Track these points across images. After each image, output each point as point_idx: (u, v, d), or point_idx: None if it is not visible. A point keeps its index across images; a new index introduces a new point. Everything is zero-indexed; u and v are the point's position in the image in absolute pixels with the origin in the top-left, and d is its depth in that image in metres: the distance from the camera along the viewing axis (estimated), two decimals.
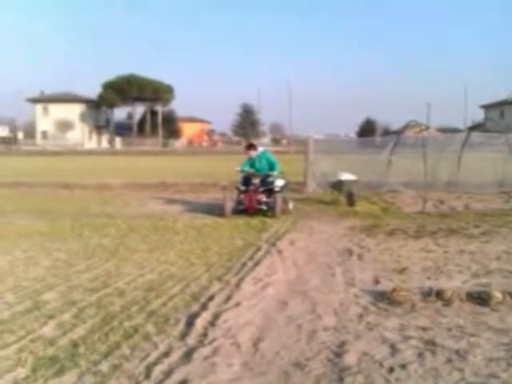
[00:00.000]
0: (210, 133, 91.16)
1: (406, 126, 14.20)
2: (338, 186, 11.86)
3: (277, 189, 10.26)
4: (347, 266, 5.91)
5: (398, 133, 15.45)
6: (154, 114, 74.81)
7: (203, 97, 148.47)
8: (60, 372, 3.24)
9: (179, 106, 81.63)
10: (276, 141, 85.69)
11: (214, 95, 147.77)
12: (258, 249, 6.90)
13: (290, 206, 10.72)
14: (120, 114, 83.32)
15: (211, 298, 4.75)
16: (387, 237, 7.70)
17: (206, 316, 4.24)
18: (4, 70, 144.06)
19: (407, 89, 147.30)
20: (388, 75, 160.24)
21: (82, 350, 3.59)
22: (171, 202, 12.54)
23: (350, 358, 3.38)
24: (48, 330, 3.97)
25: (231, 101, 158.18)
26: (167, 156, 45.28)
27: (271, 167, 10.63)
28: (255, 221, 9.25)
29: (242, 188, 10.30)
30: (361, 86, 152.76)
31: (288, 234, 8.05)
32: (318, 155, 14.77)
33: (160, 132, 72.11)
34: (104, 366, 3.32)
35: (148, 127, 73.95)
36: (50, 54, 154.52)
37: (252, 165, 10.76)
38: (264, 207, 10.05)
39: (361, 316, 4.22)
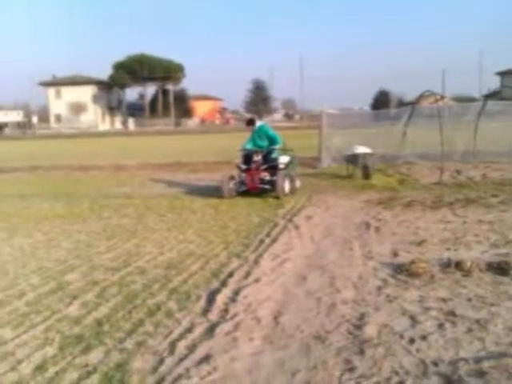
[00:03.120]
0: (222, 110, 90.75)
1: (421, 97, 13.94)
2: (352, 159, 11.78)
3: (281, 166, 9.76)
4: (365, 240, 5.92)
5: (413, 104, 15.20)
6: (165, 93, 74.58)
7: (214, 74, 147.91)
8: (86, 350, 3.34)
9: (190, 84, 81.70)
10: (289, 116, 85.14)
11: (225, 72, 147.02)
12: (275, 225, 6.93)
13: (297, 183, 10.09)
14: (132, 94, 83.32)
15: (231, 274, 4.82)
16: (404, 209, 7.67)
17: (226, 292, 4.30)
18: (15, 54, 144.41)
19: (421, 57, 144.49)
20: (402, 43, 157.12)
21: (106, 328, 3.69)
22: (186, 181, 12.60)
23: (370, 330, 3.42)
24: (73, 309, 4.08)
25: (243, 77, 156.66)
26: (180, 135, 45.27)
27: (272, 141, 9.97)
28: (270, 197, 9.25)
29: (243, 167, 9.74)
30: (374, 57, 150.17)
31: (304, 209, 8.06)
32: (331, 129, 14.64)
33: (172, 111, 71.97)
34: (129, 343, 3.42)
35: (160, 107, 73.83)
36: (61, 37, 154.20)
37: (253, 142, 10.17)
38: (268, 186, 9.42)
39: (380, 288, 4.25)
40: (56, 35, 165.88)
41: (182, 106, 75.65)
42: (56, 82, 72.54)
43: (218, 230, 6.73)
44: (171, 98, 72.95)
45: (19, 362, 3.19)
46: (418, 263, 4.58)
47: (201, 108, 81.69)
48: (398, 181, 10.96)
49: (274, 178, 9.38)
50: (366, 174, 11.38)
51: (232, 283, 4.54)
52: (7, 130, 71.10)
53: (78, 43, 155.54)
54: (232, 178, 9.60)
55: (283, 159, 10.01)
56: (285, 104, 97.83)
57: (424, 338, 3.28)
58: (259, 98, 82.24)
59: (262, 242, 6.06)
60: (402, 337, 3.31)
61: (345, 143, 13.61)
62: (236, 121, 78.96)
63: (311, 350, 3.22)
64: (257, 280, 4.59)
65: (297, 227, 6.71)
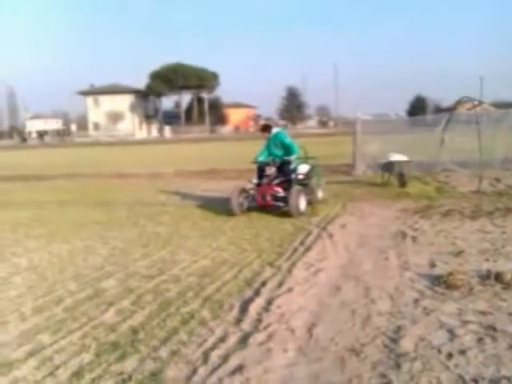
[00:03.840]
0: (256, 118, 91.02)
1: (459, 103, 13.63)
2: (388, 167, 11.61)
3: (300, 177, 8.90)
4: (401, 250, 5.80)
5: (450, 110, 14.87)
6: (200, 101, 75.51)
7: (249, 82, 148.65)
8: (122, 357, 3.38)
9: (225, 92, 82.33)
10: (323, 123, 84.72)
11: (259, 80, 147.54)
12: (309, 233, 6.88)
13: (319, 194, 9.34)
14: (168, 102, 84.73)
15: (264, 283, 4.80)
16: (442, 218, 7.49)
17: (259, 301, 4.29)
18: (54, 64, 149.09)
19: (457, 63, 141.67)
20: (437, 50, 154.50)
21: (141, 335, 3.73)
22: (220, 188, 12.66)
23: (407, 344, 3.34)
24: (109, 316, 4.14)
25: (277, 84, 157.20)
26: (215, 142, 45.69)
27: (287, 151, 8.89)
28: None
29: (254, 181, 8.74)
30: (410, 62, 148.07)
31: (338, 217, 7.97)
32: (366, 136, 14.47)
33: (207, 119, 72.75)
34: (163, 352, 3.44)
35: (195, 115, 74.79)
36: (98, 46, 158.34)
37: (268, 151, 9.17)
38: (281, 204, 8.28)
39: (416, 300, 4.14)
40: (94, 45, 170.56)
41: (217, 113, 76.42)
42: (94, 91, 74.47)
43: (251, 238, 6.73)
44: (206, 105, 73.77)
45: (57, 367, 3.25)
46: (456, 275, 4.46)
47: (235, 115, 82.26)
48: (435, 189, 10.73)
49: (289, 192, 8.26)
50: (402, 182, 11.19)
51: (265, 292, 4.52)
52: (47, 138, 73.34)
53: (115, 53, 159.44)
54: (243, 191, 8.64)
55: (302, 169, 9.19)
56: (319, 111, 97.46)
57: (463, 352, 3.17)
58: (293, 105, 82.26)
59: (295, 250, 6.03)
60: (439, 351, 3.21)
61: (380, 150, 13.44)
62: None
63: (346, 363, 3.16)
64: (290, 289, 4.55)
65: (331, 236, 6.64)
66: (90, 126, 73.61)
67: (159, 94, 74.46)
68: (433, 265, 5.12)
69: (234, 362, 3.25)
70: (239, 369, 3.15)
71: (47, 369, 3.24)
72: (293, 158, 8.84)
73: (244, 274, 5.14)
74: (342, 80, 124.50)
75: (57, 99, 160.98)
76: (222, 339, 3.61)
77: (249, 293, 4.57)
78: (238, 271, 5.26)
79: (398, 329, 3.59)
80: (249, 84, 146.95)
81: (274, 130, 9.20)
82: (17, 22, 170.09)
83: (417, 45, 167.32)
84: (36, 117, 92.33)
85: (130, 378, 3.10)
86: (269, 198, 8.39)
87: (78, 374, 3.17)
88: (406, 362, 3.10)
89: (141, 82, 73.59)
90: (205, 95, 74.94)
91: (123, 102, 71.85)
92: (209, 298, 4.49)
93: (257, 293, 4.54)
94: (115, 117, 71.16)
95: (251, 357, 3.31)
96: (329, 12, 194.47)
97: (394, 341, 3.40)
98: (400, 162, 11.39)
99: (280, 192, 8.43)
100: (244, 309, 4.16)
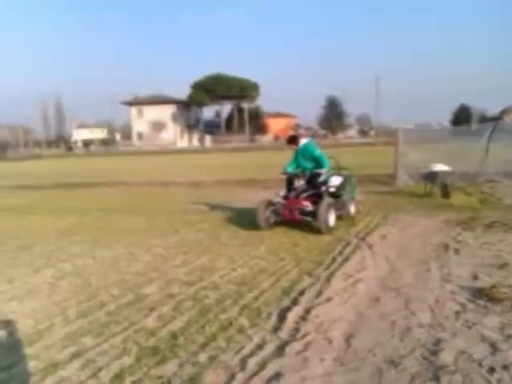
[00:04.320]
0: (296, 127, 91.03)
1: (505, 112, 13.27)
2: (430, 177, 11.39)
3: (331, 190, 8.39)
4: (443, 261, 5.68)
5: (496, 119, 14.48)
6: (240, 111, 76.20)
7: (289, 92, 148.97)
8: (162, 361, 3.47)
9: (265, 101, 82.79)
10: (364, 132, 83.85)
11: (299, 89, 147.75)
12: (347, 244, 6.84)
13: (352, 209, 8.75)
14: (209, 112, 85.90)
15: (302, 292, 4.81)
16: (486, 230, 7.28)
17: (297, 310, 4.30)
18: (98, 74, 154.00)
19: (501, 72, 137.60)
20: (479, 59, 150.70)
21: (181, 341, 3.81)
22: (260, 197, 12.71)
23: (447, 357, 3.28)
24: (149, 321, 4.24)
25: (317, 94, 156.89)
26: (254, 152, 45.92)
27: (317, 163, 8.44)
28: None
29: (281, 194, 8.33)
30: (453, 71, 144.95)
31: (379, 228, 7.88)
32: (408, 146, 14.24)
33: (247, 128, 73.30)
34: (202, 357, 3.51)
35: (235, 124, 75.51)
36: (142, 57, 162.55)
37: (296, 163, 8.73)
38: (310, 218, 7.74)
39: (458, 313, 4.06)
40: (139, 56, 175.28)
41: (257, 123, 76.90)
42: (138, 102, 76.33)
43: (290, 248, 6.74)
44: (246, 115, 74.37)
45: (99, 369, 3.37)
46: (499, 288, 4.34)
47: (275, 125, 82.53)
48: (478, 200, 10.43)
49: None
50: (445, 193, 10.95)
51: (303, 302, 4.53)
52: (92, 147, 75.62)
53: (158, 64, 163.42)
54: (270, 203, 8.16)
55: (334, 181, 8.65)
56: (359, 120, 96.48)
57: (506, 367, 3.09)
58: (333, 114, 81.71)
59: (333, 260, 6.00)
60: (480, 365, 3.14)
61: (422, 160, 13.19)
62: (310, 137, 78.91)
63: (383, 374, 3.13)
64: (328, 299, 4.54)
65: (370, 246, 6.57)
66: (134, 136, 75.39)
67: (201, 104, 75.59)
68: (475, 277, 4.99)
69: (271, 369, 3.28)
70: (276, 377, 3.17)
71: (90, 370, 3.36)
72: (323, 170, 8.36)
73: (282, 283, 5.16)
74: (383, 89, 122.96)
75: (102, 109, 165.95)
76: (260, 347, 3.64)
77: (286, 302, 4.58)
78: (276, 280, 5.28)
79: (438, 341, 3.53)
80: (289, 93, 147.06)
81: (302, 142, 8.72)
82: (64, 33, 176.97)
83: (461, 53, 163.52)
84: (82, 126, 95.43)
85: (169, 382, 3.18)
86: (296, 212, 7.88)
87: (119, 376, 3.27)
88: (445, 374, 3.05)
89: (183, 92, 75.05)
90: (245, 105, 75.57)
91: (166, 112, 73.31)
92: (247, 305, 4.53)
93: (295, 302, 4.55)
94: (158, 126, 72.68)
95: (288, 365, 3.33)
96: (369, 20, 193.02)
97: (434, 353, 3.35)
98: (443, 173, 11.15)
99: (308, 206, 7.90)
100: (282, 317, 4.18)
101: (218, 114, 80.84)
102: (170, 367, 3.38)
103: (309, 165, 8.50)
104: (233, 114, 77.40)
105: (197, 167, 25.90)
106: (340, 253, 6.35)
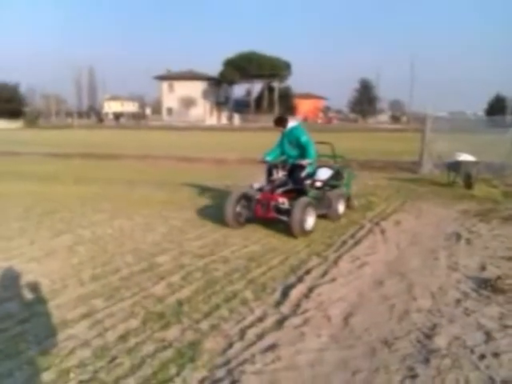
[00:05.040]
0: (325, 109, 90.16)
1: None
2: (455, 166, 11.24)
3: (318, 184, 7.32)
4: (453, 251, 5.70)
5: None
6: (271, 90, 75.73)
7: (321, 73, 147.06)
8: (166, 326, 3.65)
9: (296, 82, 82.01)
10: (395, 118, 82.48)
11: (332, 71, 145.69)
12: (361, 227, 6.89)
13: (340, 208, 7.44)
14: (239, 90, 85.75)
15: (308, 271, 4.92)
16: (503, 223, 7.21)
17: (301, 288, 4.42)
18: (134, 49, 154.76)
19: None
20: None
21: (186, 308, 3.98)
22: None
23: (440, 341, 3.35)
24: (159, 288, 4.43)
25: (350, 76, 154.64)
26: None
27: (302, 151, 7.19)
28: (361, 199, 9.15)
29: (256, 185, 7.05)
30: (491, 60, 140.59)
31: (394, 214, 7.89)
32: (435, 134, 14.04)
33: (276, 108, 72.92)
34: (204, 325, 3.67)
35: (265, 104, 75.16)
36: (176, 32, 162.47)
37: (281, 149, 7.52)
38: (285, 218, 6.44)
39: (458, 301, 4.11)
40: (173, 31, 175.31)
41: (286, 103, 76.33)
42: (170, 77, 76.55)
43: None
44: (276, 95, 73.93)
45: (106, 329, 3.56)
46: (504, 279, 4.36)
47: (304, 106, 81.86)
48: (502, 193, 10.27)
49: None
50: (468, 183, 10.81)
51: (308, 280, 4.64)
52: (122, 120, 76.51)
53: (191, 39, 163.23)
54: (243, 197, 6.90)
55: (322, 174, 7.59)
56: (392, 105, 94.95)
57: (496, 355, 3.15)
58: (365, 98, 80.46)
59: (344, 243, 6.08)
60: (472, 351, 3.21)
61: (450, 149, 12.99)
62: (339, 120, 78.14)
63: (376, 353, 3.24)
64: (333, 280, 4.64)
65: (383, 231, 6.61)
66: (164, 111, 75.88)
67: (231, 82, 75.40)
68: (483, 268, 5.01)
69: (268, 340, 3.42)
70: (272, 347, 3.31)
71: (97, 330, 3.56)
72: (307, 161, 7.05)
73: (290, 262, 5.28)
74: (418, 74, 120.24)
75: (134, 83, 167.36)
76: (261, 319, 3.78)
77: (292, 279, 4.71)
78: (285, 258, 5.40)
79: (434, 326, 3.60)
80: (321, 74, 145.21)
81: (290, 125, 7.40)
82: (101, 6, 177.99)
83: (498, 40, 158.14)
84: (113, 99, 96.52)
85: (170, 345, 3.35)
86: (271, 209, 6.68)
87: (124, 337, 3.46)
88: (436, 358, 3.13)
89: (215, 69, 74.96)
90: (276, 84, 75.05)
91: (196, 89, 73.39)
92: (253, 280, 4.67)
93: (300, 280, 4.67)
94: (188, 102, 72.90)
95: (285, 338, 3.45)
96: (407, 3, 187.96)
97: (428, 337, 3.43)
98: (467, 163, 10.99)
99: (284, 203, 6.65)
100: (285, 293, 4.31)
101: (248, 93, 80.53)
102: (173, 332, 3.55)
103: (294, 152, 7.31)
104: (263, 93, 77.00)
105: (223, 145, 26.03)
106: (352, 236, 6.41)
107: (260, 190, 6.95)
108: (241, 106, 76.03)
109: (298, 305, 4.05)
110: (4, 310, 3.90)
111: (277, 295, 4.29)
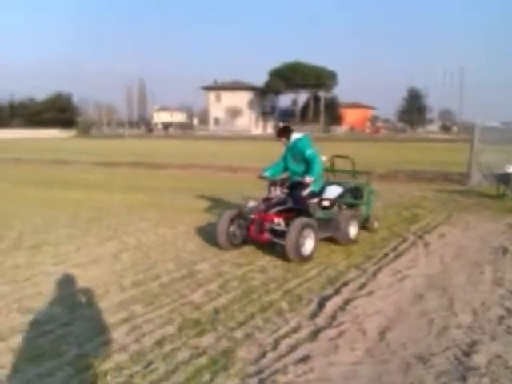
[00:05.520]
0: (373, 119, 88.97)
1: None
2: (504, 178, 10.86)
3: (325, 204, 6.50)
4: (498, 265, 5.50)
5: None
6: (316, 100, 75.56)
7: (368, 82, 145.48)
8: (201, 333, 3.71)
9: (342, 91, 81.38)
10: (446, 128, 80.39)
11: (379, 80, 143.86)
12: (404, 240, 6.76)
13: (351, 232, 6.49)
14: (284, 100, 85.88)
15: (346, 283, 4.88)
16: None
17: (337, 300, 4.39)
18: (183, 60, 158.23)
19: None
20: None
21: (222, 316, 4.03)
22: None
23: (480, 359, 3.25)
24: (197, 296, 4.51)
25: (397, 86, 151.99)
26: (328, 142, 45.44)
27: (307, 167, 6.35)
28: (406, 212, 8.99)
29: (251, 204, 6.20)
30: None
31: (439, 227, 7.69)
32: (484, 145, 13.60)
33: (322, 118, 72.65)
34: (238, 334, 3.71)
35: (310, 113, 75.06)
36: (223, 43, 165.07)
37: (284, 164, 6.76)
38: (280, 241, 5.72)
39: (502, 318, 3.97)
40: (220, 43, 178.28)
41: (332, 113, 75.96)
42: (217, 87, 77.86)
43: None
44: (322, 104, 73.68)
45: (143, 335, 3.66)
46: None
47: (351, 116, 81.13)
48: None
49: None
50: None
51: (345, 292, 4.60)
52: (171, 130, 78.20)
53: (238, 49, 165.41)
54: (238, 216, 6.20)
55: (331, 192, 6.67)
56: (442, 115, 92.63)
57: None
58: (414, 107, 78.85)
59: (385, 255, 5.99)
60: None
61: (500, 160, 12.56)
62: (387, 130, 76.91)
63: (411, 368, 3.17)
64: (370, 293, 4.58)
65: (426, 245, 6.46)
66: (211, 121, 77.08)
67: (277, 92, 75.83)
68: None
69: (301, 351, 3.41)
70: (305, 359, 3.30)
71: (135, 335, 3.66)
72: (310, 179, 6.15)
73: (328, 273, 5.26)
74: (469, 83, 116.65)
75: (183, 93, 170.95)
76: (295, 330, 3.78)
77: (329, 291, 4.68)
78: (323, 270, 5.38)
79: (474, 343, 3.49)
80: (368, 83, 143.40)
81: (294, 137, 6.60)
82: (149, 20, 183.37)
83: None
84: (162, 109, 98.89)
85: (204, 352, 3.40)
86: (265, 231, 5.94)
87: (160, 343, 3.54)
88: (473, 376, 3.03)
89: (260, 79, 75.59)
90: (322, 94, 74.83)
91: (242, 99, 74.23)
92: (290, 291, 4.68)
93: (337, 292, 4.63)
94: (234, 112, 73.80)
95: (319, 350, 3.44)
96: (455, 11, 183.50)
97: (467, 354, 3.33)
98: None
99: (280, 224, 5.93)
100: (321, 305, 4.29)
101: (294, 102, 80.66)
102: (208, 339, 3.60)
103: (298, 168, 6.49)
104: (309, 103, 76.96)
105: (267, 154, 26.11)
106: (394, 249, 6.31)
107: (254, 208, 6.09)
108: (286, 116, 76.11)
109: (333, 317, 4.03)
110: (49, 313, 4.07)
111: (312, 306, 4.28)
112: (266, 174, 6.65)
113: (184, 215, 8.50)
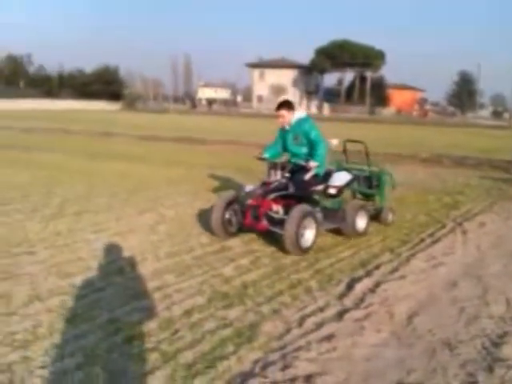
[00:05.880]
0: (421, 101, 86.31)
1: None
2: None
3: (331, 191, 5.83)
4: None
5: None
6: (363, 80, 73.87)
7: (417, 64, 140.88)
8: (229, 306, 3.79)
9: (390, 72, 79.19)
10: (497, 114, 77.25)
11: (429, 62, 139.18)
12: (442, 226, 6.62)
13: (359, 223, 5.93)
14: (329, 80, 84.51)
15: (378, 266, 4.85)
16: None
17: (367, 282, 4.37)
18: (227, 36, 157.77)
19: None
20: None
21: (250, 291, 4.10)
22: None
23: (509, 351, 3.18)
24: (227, 270, 4.60)
25: (449, 68, 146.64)
26: (373, 124, 44.59)
27: (310, 150, 5.72)
28: (448, 197, 8.77)
29: (248, 188, 5.63)
30: None
31: (481, 214, 7.47)
32: None
33: (368, 99, 71.10)
34: (265, 309, 3.76)
35: (356, 94, 73.49)
36: (269, 20, 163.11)
37: (283, 146, 6.07)
38: (279, 230, 5.19)
39: None
40: (264, 17, 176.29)
41: (379, 94, 74.06)
42: (261, 64, 77.24)
43: (379, 224, 6.68)
44: (368, 85, 72.02)
45: (173, 303, 3.77)
46: None
47: (398, 97, 78.92)
48: None
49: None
50: None
51: (376, 275, 4.57)
52: (215, 106, 78.43)
53: (284, 26, 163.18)
54: (234, 201, 5.67)
55: (339, 179, 5.96)
56: (493, 100, 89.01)
57: None
58: (464, 91, 76.00)
59: (422, 241, 5.90)
60: None
61: None
62: (436, 114, 74.60)
63: (436, 354, 3.14)
64: (402, 277, 4.53)
65: (464, 232, 6.30)
66: (254, 98, 76.81)
67: (322, 71, 74.49)
68: None
69: (326, 330, 3.44)
70: (329, 337, 3.32)
71: (165, 303, 3.77)
72: (313, 164, 5.55)
73: (361, 255, 5.23)
74: None
75: (227, 70, 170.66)
76: (322, 309, 3.80)
77: (360, 272, 4.67)
78: (356, 252, 5.35)
79: (505, 334, 3.42)
80: (418, 66, 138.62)
81: (297, 116, 5.89)
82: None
83: None
84: (207, 85, 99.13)
85: (230, 324, 3.48)
86: (262, 218, 5.41)
87: (188, 312, 3.64)
88: (501, 367, 2.98)
89: (306, 57, 74.49)
90: (369, 74, 73.07)
91: (287, 77, 73.47)
92: (320, 270, 4.70)
93: (368, 274, 4.61)
94: (278, 90, 73.13)
95: (344, 330, 3.45)
96: None
97: (496, 345, 3.26)
98: None
99: (278, 212, 5.48)
100: (350, 286, 4.29)
101: (339, 82, 79.16)
102: (235, 312, 3.68)
103: (299, 150, 5.83)
104: (354, 83, 75.30)
105: None
106: (431, 234, 6.19)
107: (252, 193, 5.51)
108: (331, 96, 74.92)
109: (361, 299, 4.02)
110: (86, 278, 4.24)
111: (342, 287, 4.28)
112: (266, 155, 6.04)
113: (220, 190, 8.58)
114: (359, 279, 4.44)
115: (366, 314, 3.71)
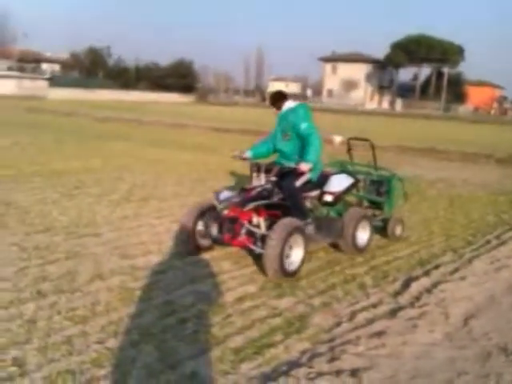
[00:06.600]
0: (501, 99, 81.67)
1: None
2: None
3: (328, 199, 4.86)
4: None
5: None
6: (439, 75, 70.97)
7: (498, 59, 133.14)
8: (280, 296, 3.86)
9: (469, 68, 75.29)
10: None
11: (509, 57, 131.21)
12: (510, 229, 6.32)
13: (360, 237, 4.95)
14: (404, 75, 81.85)
15: (437, 266, 4.73)
16: None
17: (424, 282, 4.27)
18: (299, 31, 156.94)
19: None
20: None
21: (303, 283, 4.14)
22: (434, 167, 12.14)
23: None
24: None
25: None
26: (448, 121, 42.82)
27: (302, 148, 4.71)
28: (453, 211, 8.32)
29: (223, 196, 4.52)
30: None
31: None
32: None
33: (443, 95, 68.28)
34: (316, 301, 3.79)
35: (432, 90, 70.78)
36: (342, 11, 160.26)
37: (272, 142, 5.06)
38: (257, 248, 4.33)
39: None
40: (343, 11, 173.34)
41: (456, 90, 70.86)
42: (334, 58, 76.20)
43: (444, 222, 6.50)
44: (445, 81, 69.11)
45: (227, 290, 3.89)
46: None
47: (476, 95, 75.12)
48: None
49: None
50: None
51: (435, 275, 4.46)
52: None
53: (359, 19, 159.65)
54: (209, 211, 4.64)
55: (338, 183, 4.97)
56: None
57: None
58: None
59: (487, 242, 5.67)
60: None
61: None
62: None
63: (490, 358, 3.04)
64: (462, 278, 4.38)
65: None
66: (324, 93, 75.98)
67: (397, 66, 72.33)
68: None
69: (377, 327, 3.40)
70: (379, 334, 3.29)
71: (219, 289, 3.89)
72: (305, 166, 4.51)
73: (420, 254, 5.11)
74: None
75: (298, 64, 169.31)
76: (375, 305, 3.77)
77: (418, 272, 4.57)
78: (416, 250, 5.24)
79: None
80: (498, 61, 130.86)
81: (287, 106, 4.89)
82: None
83: None
84: (278, 79, 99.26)
85: (280, 313, 3.53)
86: (239, 232, 4.41)
87: (241, 299, 3.74)
88: None
89: (380, 52, 72.68)
90: (446, 70, 70.08)
91: (360, 71, 71.99)
92: (376, 267, 4.64)
93: (426, 273, 4.51)
94: (349, 85, 71.96)
95: (395, 327, 3.41)
96: None
97: None
98: None
99: (259, 224, 4.47)
100: (407, 285, 4.21)
101: (414, 77, 76.54)
102: (286, 302, 3.73)
103: (287, 147, 4.84)
104: (430, 79, 72.50)
105: (379, 132, 25.32)
106: (497, 236, 5.93)
107: (224, 201, 4.46)
108: (405, 91, 72.61)
109: (417, 298, 3.93)
110: (146, 260, 4.45)
111: (397, 285, 4.21)
112: (248, 154, 5.07)
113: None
114: (416, 278, 4.35)
115: (420, 314, 3.63)
